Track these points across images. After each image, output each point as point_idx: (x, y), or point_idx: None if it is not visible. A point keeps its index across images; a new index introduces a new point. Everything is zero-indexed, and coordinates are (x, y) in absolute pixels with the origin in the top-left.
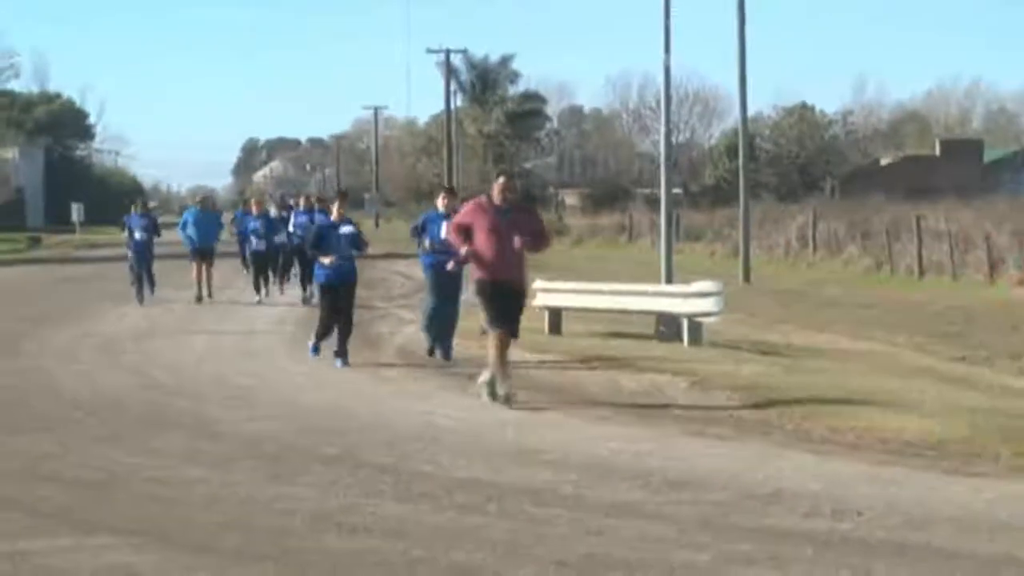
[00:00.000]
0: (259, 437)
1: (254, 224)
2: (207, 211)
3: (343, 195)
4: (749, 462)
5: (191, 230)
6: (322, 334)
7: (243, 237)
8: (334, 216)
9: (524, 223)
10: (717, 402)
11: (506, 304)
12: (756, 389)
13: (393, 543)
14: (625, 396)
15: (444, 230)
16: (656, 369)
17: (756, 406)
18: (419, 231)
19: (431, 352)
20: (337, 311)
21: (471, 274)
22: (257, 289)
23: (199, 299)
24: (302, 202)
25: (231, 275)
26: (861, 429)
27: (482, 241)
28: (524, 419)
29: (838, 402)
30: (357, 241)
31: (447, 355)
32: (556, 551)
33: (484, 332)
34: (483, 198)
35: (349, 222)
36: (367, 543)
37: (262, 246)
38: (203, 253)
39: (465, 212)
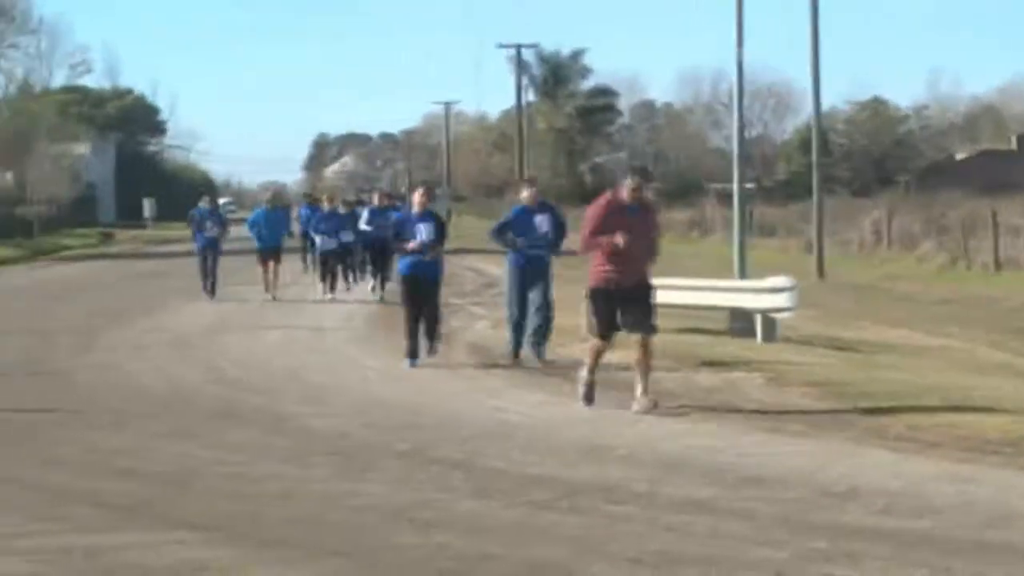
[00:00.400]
0: (331, 433)
1: (325, 221)
2: (275, 210)
3: (428, 189)
4: (825, 459)
5: (259, 230)
6: (411, 337)
7: (306, 233)
8: (416, 209)
9: (650, 224)
10: (792, 399)
11: (632, 305)
12: (831, 386)
13: (466, 540)
14: (699, 392)
15: (582, 242)
16: (730, 365)
17: (831, 403)
18: (506, 228)
19: (517, 355)
20: (418, 306)
21: (590, 277)
22: (326, 286)
23: (267, 289)
24: (376, 198)
25: (300, 272)
26: (938, 426)
27: (611, 242)
28: (597, 415)
29: (914, 399)
30: (439, 234)
31: (540, 356)
32: (629, 548)
33: (587, 337)
34: (610, 196)
35: (431, 216)
36: (439, 539)
37: (332, 243)
38: (270, 253)
39: (596, 213)
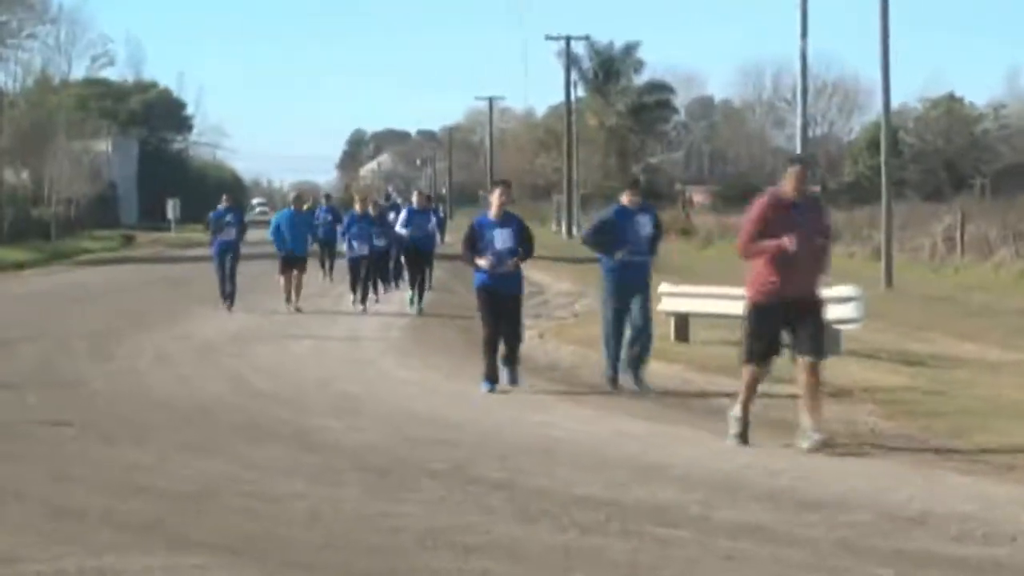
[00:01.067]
0: (364, 448)
1: (356, 224)
2: (301, 212)
3: (506, 186)
4: (891, 481)
5: (282, 234)
6: (489, 356)
7: (316, 236)
8: (493, 213)
9: (820, 224)
10: (856, 416)
11: (801, 323)
12: (899, 402)
13: (508, 565)
14: (756, 409)
15: (741, 246)
16: (791, 380)
17: (899, 421)
18: (604, 231)
19: (615, 381)
20: (497, 323)
21: (747, 291)
22: (356, 297)
23: (288, 300)
24: (415, 199)
25: (323, 281)
26: (1015, 448)
27: (779, 246)
28: (648, 433)
29: (989, 417)
30: (524, 241)
31: (638, 380)
32: (682, 575)
33: (745, 362)
34: (774, 191)
35: (513, 219)
36: (480, 564)
37: (364, 249)
38: (295, 260)
39: (758, 213)
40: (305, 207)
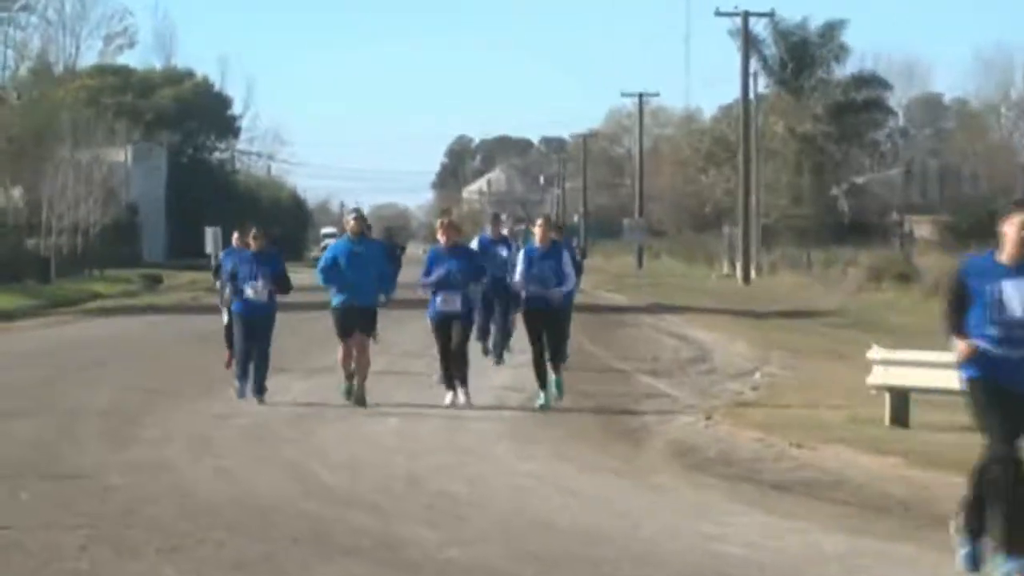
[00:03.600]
0: (469, 568)
1: (438, 262)
2: (365, 241)
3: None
4: None
5: (339, 275)
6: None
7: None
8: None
9: None
10: None
11: None
12: None
13: None
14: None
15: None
16: None
17: None
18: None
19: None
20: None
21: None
22: (442, 377)
23: (349, 393)
24: (538, 230)
25: (421, 336)
26: None
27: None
28: (850, 550)
29: None
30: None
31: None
32: None
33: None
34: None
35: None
36: None
37: (453, 304)
38: (356, 317)
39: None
40: (356, 234)
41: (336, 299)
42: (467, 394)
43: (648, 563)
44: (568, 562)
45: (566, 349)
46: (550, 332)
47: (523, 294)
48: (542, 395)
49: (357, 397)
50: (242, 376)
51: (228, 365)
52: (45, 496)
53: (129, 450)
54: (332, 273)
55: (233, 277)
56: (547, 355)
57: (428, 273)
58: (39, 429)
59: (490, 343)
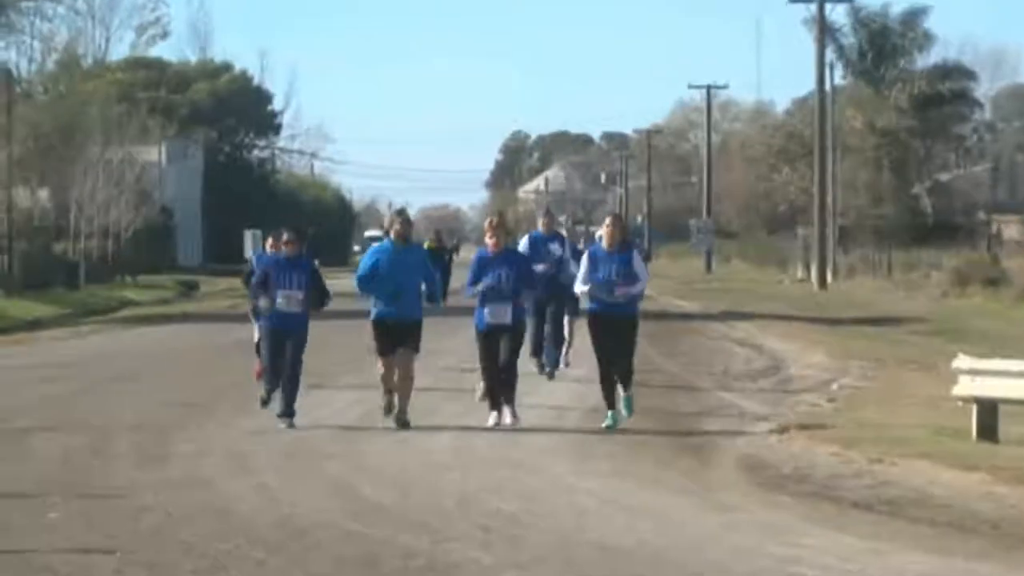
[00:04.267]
0: None
1: (486, 268)
2: (410, 247)
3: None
4: None
5: (380, 283)
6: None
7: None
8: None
9: None
10: None
11: None
12: None
13: None
14: None
15: None
16: None
17: None
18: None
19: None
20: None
21: None
22: (483, 396)
23: (389, 409)
24: (606, 230)
25: (464, 347)
26: None
27: None
28: (939, 572)
29: None
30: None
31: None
32: None
33: None
34: None
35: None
36: None
37: (503, 316)
38: (397, 331)
39: None
40: (401, 238)
41: (376, 310)
42: (514, 413)
43: None
44: None
45: (632, 363)
46: (617, 344)
47: (586, 301)
48: (610, 415)
49: (399, 419)
50: (268, 395)
51: (258, 376)
52: (75, 516)
53: (163, 467)
54: (372, 282)
55: (264, 285)
56: (614, 370)
57: (474, 281)
58: (67, 445)
59: (544, 357)
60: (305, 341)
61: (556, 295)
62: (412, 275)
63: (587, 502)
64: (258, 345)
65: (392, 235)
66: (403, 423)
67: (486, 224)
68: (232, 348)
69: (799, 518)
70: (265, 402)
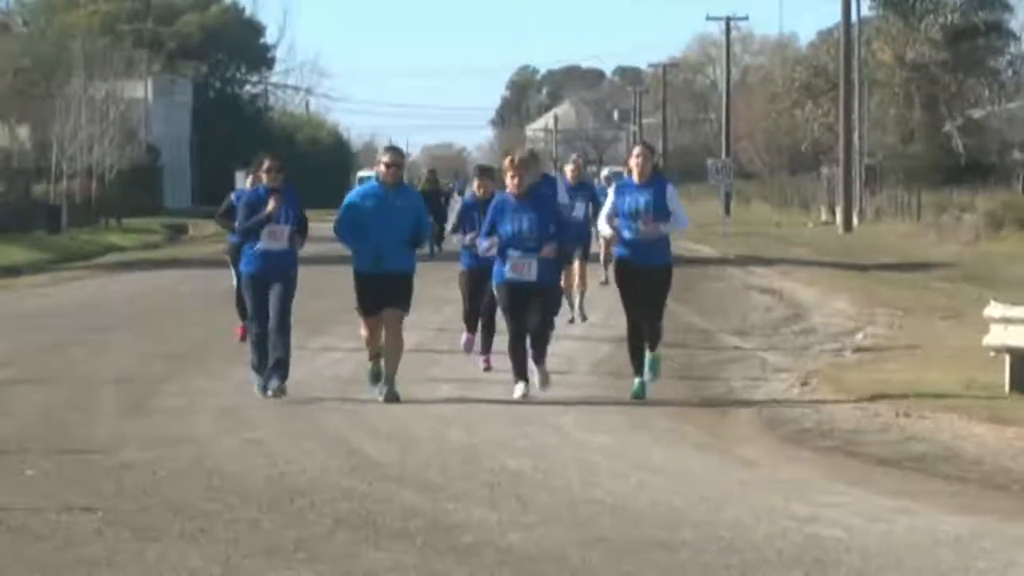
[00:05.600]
0: (532, 555)
1: (514, 218)
2: (404, 189)
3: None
4: None
5: (363, 231)
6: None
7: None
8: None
9: None
10: None
11: None
12: None
13: None
14: None
15: None
16: None
17: None
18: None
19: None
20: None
21: None
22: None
23: (376, 377)
24: (635, 161)
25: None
26: None
27: None
28: (969, 533)
29: None
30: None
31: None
32: None
33: None
34: None
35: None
36: None
37: (525, 271)
38: (384, 288)
39: None
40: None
41: (358, 262)
42: (544, 375)
43: (734, 549)
44: (643, 548)
45: (662, 321)
46: (649, 296)
47: (612, 248)
48: (636, 383)
49: (387, 393)
50: (260, 363)
51: (243, 337)
52: (54, 473)
53: (149, 422)
54: (353, 228)
55: (248, 223)
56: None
57: (490, 230)
58: (47, 399)
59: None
60: (294, 284)
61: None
62: (402, 224)
63: (597, 459)
64: (239, 297)
65: (380, 176)
66: (392, 395)
67: (506, 162)
68: (223, 296)
69: (822, 475)
70: (265, 388)
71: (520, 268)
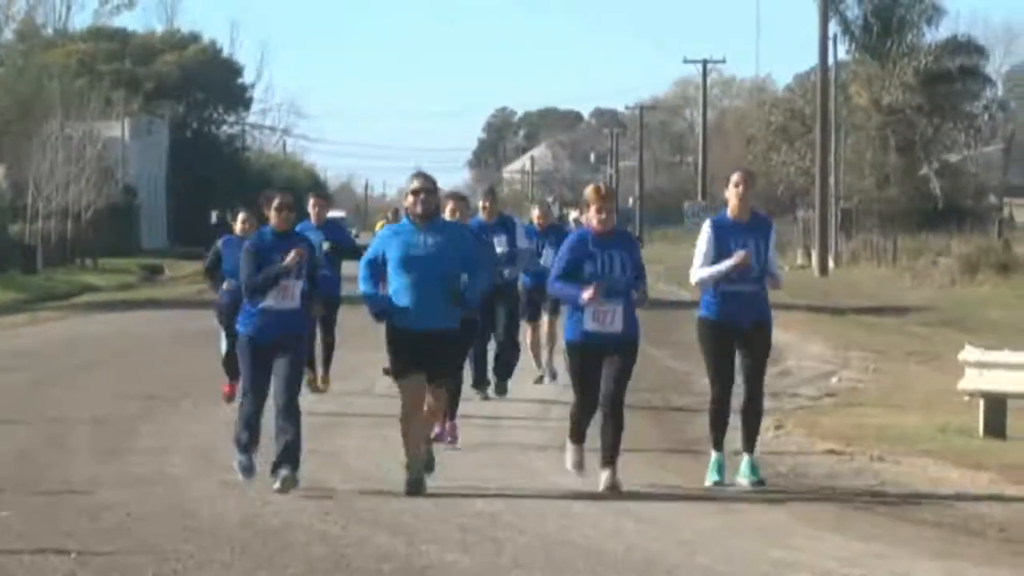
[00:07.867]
0: None
1: (597, 257)
2: (443, 224)
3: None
4: None
5: (396, 283)
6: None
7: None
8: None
9: None
10: None
11: None
12: None
13: None
14: None
15: None
16: None
17: None
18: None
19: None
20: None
21: None
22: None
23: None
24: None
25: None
26: None
27: None
28: (945, 575)
29: None
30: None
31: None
32: None
33: None
34: None
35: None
36: None
37: (610, 321)
38: (424, 348)
39: None
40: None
41: (394, 317)
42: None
43: None
44: None
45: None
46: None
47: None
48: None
49: (413, 483)
50: (249, 442)
51: (230, 396)
52: (29, 514)
53: (124, 463)
54: (377, 283)
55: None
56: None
57: (567, 270)
58: (23, 439)
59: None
60: (305, 355)
61: (503, 294)
62: (443, 266)
63: (572, 502)
64: (226, 360)
65: (408, 208)
66: (416, 485)
67: (590, 192)
68: (199, 336)
69: (796, 519)
70: (247, 470)
71: (606, 319)
